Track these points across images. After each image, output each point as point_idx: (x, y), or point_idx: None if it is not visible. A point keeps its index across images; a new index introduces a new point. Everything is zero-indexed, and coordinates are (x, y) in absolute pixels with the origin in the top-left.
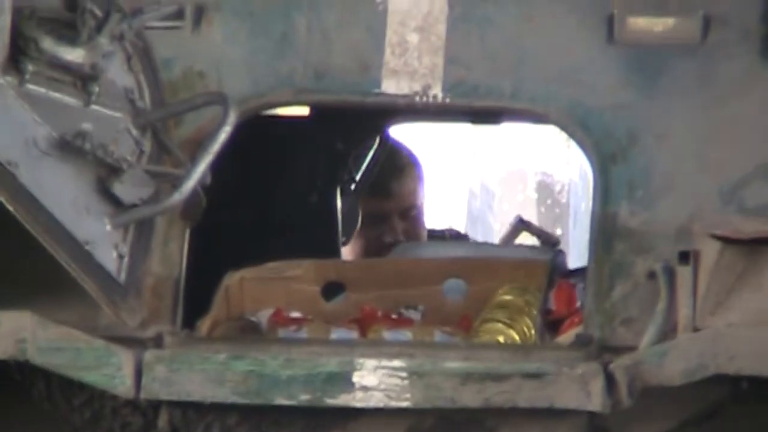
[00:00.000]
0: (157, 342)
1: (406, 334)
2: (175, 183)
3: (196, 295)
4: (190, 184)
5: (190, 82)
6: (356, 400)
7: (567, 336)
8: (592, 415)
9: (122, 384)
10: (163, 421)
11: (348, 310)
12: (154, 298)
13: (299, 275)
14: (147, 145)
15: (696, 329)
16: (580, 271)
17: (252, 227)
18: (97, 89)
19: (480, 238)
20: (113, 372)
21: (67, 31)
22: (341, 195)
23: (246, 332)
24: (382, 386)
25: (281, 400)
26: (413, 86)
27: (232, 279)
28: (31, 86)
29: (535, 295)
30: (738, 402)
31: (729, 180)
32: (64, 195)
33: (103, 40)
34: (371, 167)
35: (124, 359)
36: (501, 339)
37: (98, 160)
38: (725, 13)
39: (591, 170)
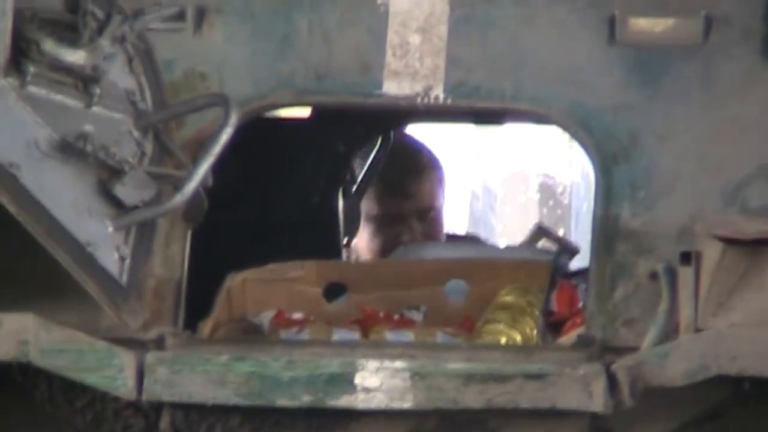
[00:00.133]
0: (159, 344)
1: (408, 335)
2: (177, 185)
3: (198, 297)
4: (191, 185)
5: (192, 83)
6: (358, 401)
7: (569, 337)
8: (594, 415)
9: (124, 386)
10: (165, 422)
11: (350, 311)
12: (155, 299)
13: (301, 276)
14: (148, 147)
15: (698, 330)
16: (582, 272)
17: (253, 228)
18: (98, 91)
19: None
20: (115, 374)
21: (69, 32)
22: (343, 196)
23: (248, 334)
24: (384, 387)
25: (283, 402)
26: (415, 87)
27: (233, 280)
28: (32, 88)
29: (537, 296)
30: (740, 403)
31: (731, 180)
32: (65, 197)
33: (105, 42)
34: (373, 168)
35: (126, 361)
36: (503, 340)
37: (100, 162)
38: (726, 13)
39: (593, 171)
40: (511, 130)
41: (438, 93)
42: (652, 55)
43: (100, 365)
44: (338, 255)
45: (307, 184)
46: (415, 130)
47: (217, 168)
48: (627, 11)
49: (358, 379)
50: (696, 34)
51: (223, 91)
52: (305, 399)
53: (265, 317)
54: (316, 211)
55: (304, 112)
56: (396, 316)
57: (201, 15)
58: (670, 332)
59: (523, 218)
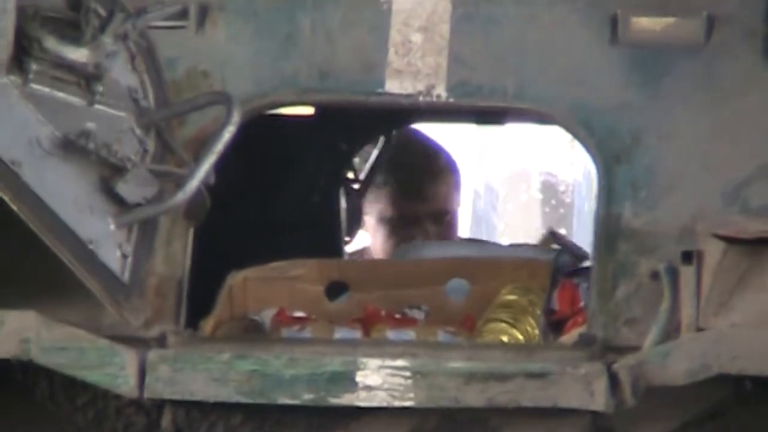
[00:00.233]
0: (161, 342)
1: (410, 334)
2: (179, 182)
3: (200, 295)
4: (193, 183)
5: (194, 81)
6: (359, 399)
7: (570, 336)
8: (595, 415)
9: (126, 383)
10: (166, 420)
11: (351, 309)
12: (157, 297)
13: (302, 275)
14: (151, 145)
15: (699, 329)
16: (583, 271)
17: (255, 227)
18: (100, 89)
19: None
20: (117, 371)
21: (71, 30)
22: (344, 195)
23: (249, 332)
24: (386, 386)
25: (285, 400)
26: (417, 86)
27: (235, 279)
28: (34, 86)
29: (539, 295)
30: (741, 402)
31: (732, 180)
32: (67, 194)
33: (107, 40)
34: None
35: (128, 359)
36: (504, 339)
37: (102, 160)
38: (729, 13)
39: (595, 170)
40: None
41: (440, 92)
42: (653, 54)
43: (101, 363)
44: (340, 253)
45: (308, 183)
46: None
47: (219, 166)
48: (629, 11)
49: (359, 378)
50: (698, 33)
51: (225, 89)
52: (307, 397)
53: (267, 315)
54: (318, 209)
55: (306, 110)
56: (397, 315)
57: (203, 13)
58: (671, 332)
59: (525, 217)
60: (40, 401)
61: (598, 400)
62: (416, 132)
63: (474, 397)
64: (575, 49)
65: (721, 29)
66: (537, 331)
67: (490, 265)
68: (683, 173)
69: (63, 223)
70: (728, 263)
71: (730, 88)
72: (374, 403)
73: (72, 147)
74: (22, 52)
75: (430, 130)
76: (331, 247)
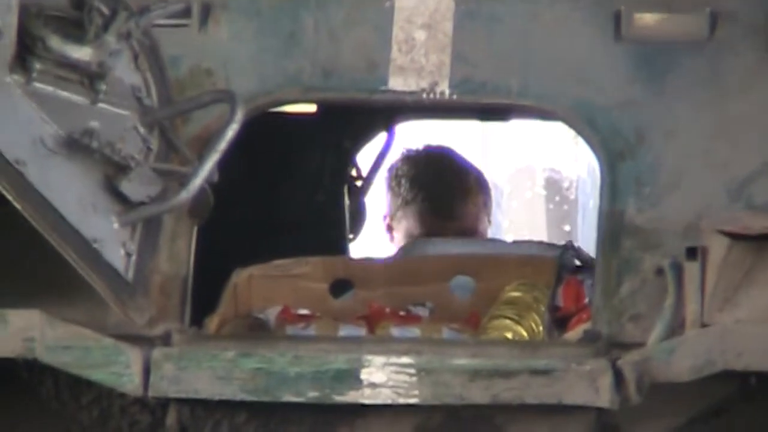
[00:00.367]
0: (165, 340)
1: (414, 331)
2: (183, 181)
3: (204, 293)
4: (197, 181)
5: (198, 79)
6: (364, 397)
7: (575, 332)
8: (600, 411)
9: (130, 382)
10: (171, 419)
11: (356, 307)
12: (161, 296)
13: (307, 273)
14: (154, 143)
15: (704, 325)
16: (588, 268)
17: (259, 225)
18: (104, 87)
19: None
20: (121, 370)
21: (74, 29)
22: (348, 193)
23: (254, 330)
24: (390, 383)
25: (289, 398)
26: (420, 83)
27: (240, 277)
28: (38, 85)
29: (543, 292)
30: (746, 398)
31: (737, 176)
32: (71, 193)
33: (110, 39)
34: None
35: (132, 357)
36: (509, 335)
37: (105, 159)
38: (732, 9)
39: (599, 167)
40: (517, 125)
41: (443, 89)
42: (657, 51)
43: (106, 362)
44: (344, 251)
45: (312, 181)
46: (421, 127)
47: (223, 164)
48: (632, 7)
49: (364, 375)
50: (701, 30)
51: (229, 87)
52: (311, 395)
53: (271, 313)
54: (322, 207)
55: (309, 107)
56: (402, 312)
57: (206, 11)
58: (676, 328)
59: (529, 214)
60: (46, 400)
61: (603, 396)
62: (448, 150)
63: (479, 394)
64: (578, 45)
65: (724, 25)
66: (541, 328)
67: (495, 262)
68: (687, 170)
69: (67, 222)
70: (733, 259)
71: (733, 84)
72: (379, 401)
73: (76, 146)
74: (26, 50)
75: (433, 126)
76: (336, 244)
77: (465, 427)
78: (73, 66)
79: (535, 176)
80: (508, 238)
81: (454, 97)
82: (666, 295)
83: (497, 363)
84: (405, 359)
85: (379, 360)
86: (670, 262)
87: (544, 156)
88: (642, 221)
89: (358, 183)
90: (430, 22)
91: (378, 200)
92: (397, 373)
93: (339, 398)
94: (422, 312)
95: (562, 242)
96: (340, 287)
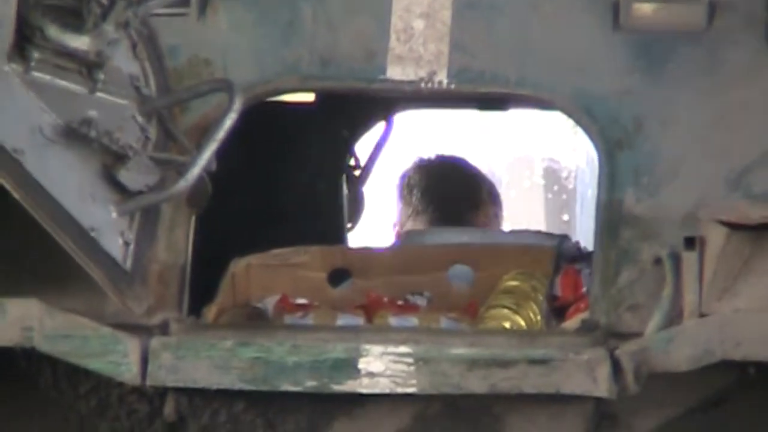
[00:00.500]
0: (163, 329)
1: (412, 321)
2: (181, 170)
3: (202, 282)
4: (195, 171)
5: (196, 69)
6: (362, 386)
7: (573, 322)
8: (598, 401)
9: (128, 371)
10: (169, 408)
11: (354, 296)
12: (160, 285)
13: (305, 262)
14: (152, 132)
15: (702, 315)
16: (586, 257)
17: (258, 214)
18: (102, 76)
19: None
20: (119, 359)
21: (73, 18)
22: (347, 182)
23: (252, 319)
24: (388, 372)
25: (287, 387)
26: (418, 72)
27: (238, 266)
28: (36, 74)
29: (542, 281)
30: (745, 388)
31: (735, 166)
32: (69, 182)
33: (109, 28)
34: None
35: (131, 346)
36: (507, 325)
37: (104, 148)
38: None
39: (597, 157)
40: (516, 114)
41: (442, 78)
42: (655, 40)
43: (104, 351)
44: (342, 240)
45: (310, 170)
46: (420, 116)
47: (222, 154)
48: None
49: (362, 364)
50: (700, 19)
51: (227, 76)
52: (309, 384)
53: (270, 302)
54: (320, 196)
55: (307, 97)
56: (400, 302)
57: (205, 0)
58: (674, 317)
59: (527, 204)
60: (44, 389)
61: (601, 386)
62: (461, 160)
63: (477, 383)
64: (577, 35)
65: (722, 15)
66: (539, 317)
67: (493, 251)
68: (686, 159)
69: (65, 211)
70: (731, 249)
71: (732, 73)
72: (377, 390)
73: (74, 135)
74: (24, 40)
75: (431, 116)
76: (334, 234)
77: (463, 417)
78: (71, 55)
79: (534, 166)
80: (507, 227)
81: (453, 86)
82: (664, 284)
83: (495, 352)
84: (403, 348)
85: (377, 349)
86: (668, 251)
87: (543, 146)
88: (640, 211)
89: (357, 172)
90: (429, 12)
91: (376, 190)
92: (395, 362)
93: (337, 387)
94: (420, 301)
95: (561, 232)
96: (338, 276)
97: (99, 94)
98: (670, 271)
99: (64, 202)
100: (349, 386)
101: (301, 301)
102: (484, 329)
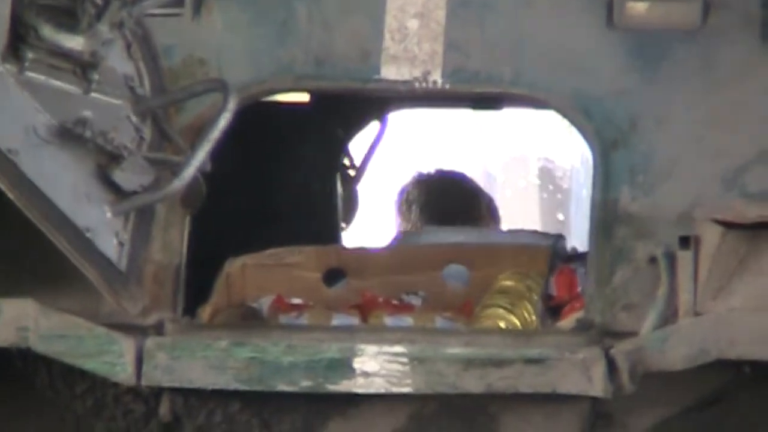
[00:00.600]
0: (159, 329)
1: (407, 320)
2: (175, 170)
3: (197, 283)
4: (190, 171)
5: (191, 69)
6: (357, 386)
7: (568, 321)
8: (594, 400)
9: (123, 371)
10: (164, 408)
11: (349, 296)
12: (154, 285)
13: (300, 262)
14: (147, 133)
15: (697, 314)
16: (581, 257)
17: (253, 214)
18: (97, 77)
19: None
20: (114, 359)
21: (67, 18)
22: (341, 181)
23: (247, 319)
24: (383, 372)
25: (283, 387)
26: (413, 72)
27: (233, 266)
28: (30, 74)
29: (537, 281)
30: (741, 387)
31: (730, 165)
32: (64, 182)
33: (103, 28)
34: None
35: (126, 347)
36: (502, 324)
37: (98, 148)
38: None
39: (591, 156)
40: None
41: (436, 78)
42: (650, 39)
43: (99, 351)
44: (337, 240)
45: (305, 170)
46: (414, 116)
47: (217, 154)
48: None
49: (357, 364)
50: (694, 17)
51: (222, 76)
52: (305, 384)
53: (265, 302)
54: (315, 196)
55: (302, 97)
56: (395, 301)
57: (199, 0)
58: (669, 317)
59: (523, 203)
60: (40, 389)
61: (597, 385)
62: (460, 175)
63: (472, 383)
64: (571, 34)
65: (717, 13)
66: (535, 317)
67: (489, 250)
68: (681, 158)
69: (60, 212)
70: (726, 248)
71: (727, 72)
72: (372, 390)
73: (68, 135)
74: (19, 40)
75: (427, 115)
76: (328, 233)
77: (459, 416)
78: (65, 55)
79: (529, 165)
80: (502, 227)
81: (447, 86)
82: (659, 283)
83: (491, 352)
84: (398, 348)
85: (372, 349)
86: (663, 250)
87: (538, 145)
88: (635, 210)
89: (351, 172)
90: (423, 11)
91: (371, 189)
92: (390, 362)
93: (332, 387)
94: (415, 301)
95: (556, 231)
96: (333, 276)
97: (93, 95)
98: (665, 271)
99: (59, 202)
100: (345, 386)
101: (296, 301)
102: (480, 329)
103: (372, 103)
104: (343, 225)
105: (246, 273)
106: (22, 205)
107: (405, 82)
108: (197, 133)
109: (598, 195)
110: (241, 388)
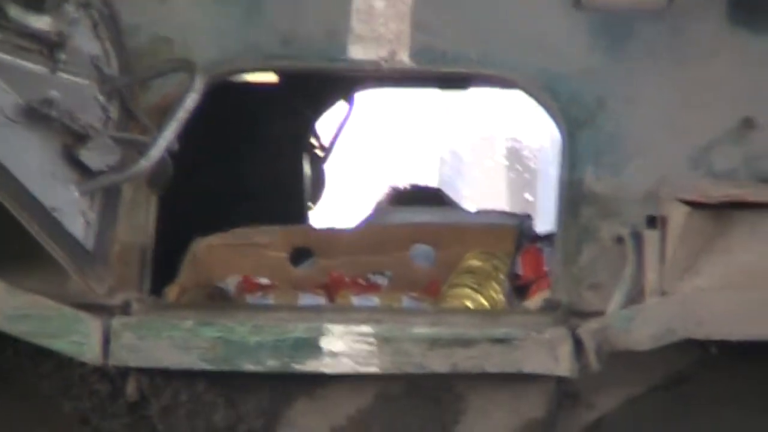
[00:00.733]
0: (125, 309)
1: (374, 300)
2: (142, 150)
3: (164, 262)
4: (157, 150)
5: (157, 48)
6: (324, 366)
7: (535, 300)
8: (560, 380)
9: (90, 351)
10: (131, 387)
11: (315, 276)
12: (121, 265)
13: (267, 241)
14: (114, 112)
15: (664, 294)
16: (548, 237)
17: (220, 193)
18: (63, 56)
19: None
20: (81, 339)
21: None
22: (309, 161)
23: (214, 299)
24: (350, 352)
25: (249, 366)
26: (379, 52)
27: (199, 246)
28: None
29: (503, 260)
30: (707, 366)
31: (697, 144)
32: (31, 162)
33: (70, 8)
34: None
35: (92, 326)
36: (469, 304)
37: (65, 127)
38: None
39: (559, 135)
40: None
41: (403, 57)
42: (617, 18)
43: (66, 331)
44: (304, 220)
45: (273, 149)
46: (382, 96)
47: (184, 133)
48: None
49: (323, 344)
50: None
51: (188, 56)
52: (271, 364)
53: (231, 282)
54: (282, 175)
55: (270, 77)
56: (362, 281)
57: None
58: (635, 296)
59: (490, 183)
60: (6, 369)
61: (563, 365)
62: (435, 190)
63: (438, 362)
64: (538, 14)
65: None
66: (501, 296)
67: (455, 230)
68: (648, 138)
69: (27, 191)
70: (693, 227)
71: (694, 52)
72: (338, 370)
73: (35, 115)
74: None
75: (395, 96)
76: (296, 213)
77: (425, 396)
78: (32, 35)
79: (497, 146)
80: (470, 207)
81: (414, 66)
82: (626, 263)
83: (457, 331)
84: (365, 328)
85: (338, 329)
86: (629, 230)
87: (506, 125)
88: (601, 189)
89: (319, 151)
90: None
91: (337, 169)
92: (357, 341)
93: (298, 367)
94: (382, 281)
95: (523, 211)
96: (300, 256)
97: (60, 74)
98: (632, 250)
99: (26, 181)
100: (311, 366)
101: (263, 280)
102: (446, 308)
103: (339, 82)
104: (311, 204)
105: (213, 252)
106: None
107: (372, 62)
108: (164, 112)
109: (564, 174)
110: (208, 368)
